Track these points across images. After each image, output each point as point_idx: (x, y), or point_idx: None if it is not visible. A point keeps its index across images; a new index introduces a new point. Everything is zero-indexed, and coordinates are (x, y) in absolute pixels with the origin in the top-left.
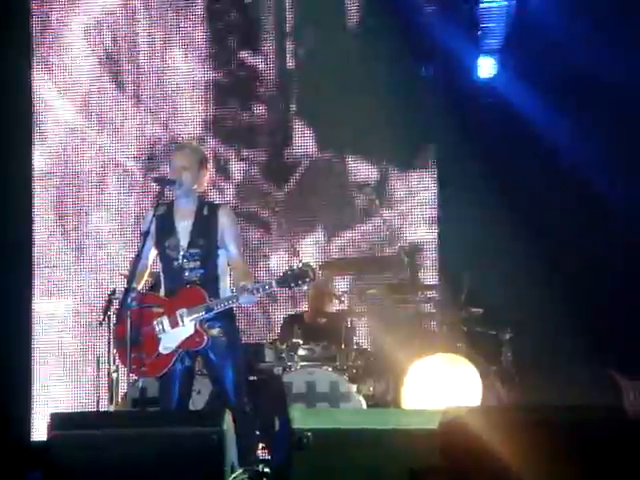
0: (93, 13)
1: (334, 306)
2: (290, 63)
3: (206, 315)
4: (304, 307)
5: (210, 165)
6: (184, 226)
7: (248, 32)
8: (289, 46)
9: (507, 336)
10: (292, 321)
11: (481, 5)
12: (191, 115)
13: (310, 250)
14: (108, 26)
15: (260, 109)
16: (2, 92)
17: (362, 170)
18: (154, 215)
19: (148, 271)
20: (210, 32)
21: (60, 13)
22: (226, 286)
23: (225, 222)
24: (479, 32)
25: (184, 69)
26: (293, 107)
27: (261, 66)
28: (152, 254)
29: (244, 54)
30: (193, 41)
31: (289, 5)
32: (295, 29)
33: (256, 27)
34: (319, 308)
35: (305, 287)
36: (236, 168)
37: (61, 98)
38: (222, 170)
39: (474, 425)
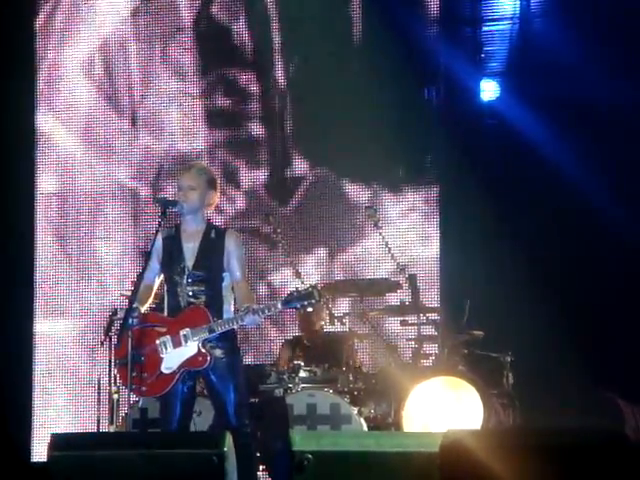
0: (88, 46)
1: (324, 324)
2: (283, 84)
3: (210, 336)
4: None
5: (218, 186)
6: (190, 248)
7: (240, 53)
8: (285, 66)
9: (508, 359)
10: (292, 343)
11: (484, 28)
12: (192, 136)
13: (311, 269)
14: (103, 57)
15: (258, 130)
16: (6, 121)
17: (363, 190)
18: (160, 235)
19: (153, 292)
20: (201, 55)
21: (59, 43)
22: (230, 308)
23: (231, 246)
24: (482, 55)
25: (180, 92)
26: (290, 128)
27: (255, 87)
28: (156, 274)
29: (237, 75)
30: (184, 65)
31: (277, 26)
32: (290, 51)
33: (249, 47)
34: (309, 328)
35: (310, 308)
36: (238, 188)
37: (63, 128)
38: (225, 189)
39: (475, 448)
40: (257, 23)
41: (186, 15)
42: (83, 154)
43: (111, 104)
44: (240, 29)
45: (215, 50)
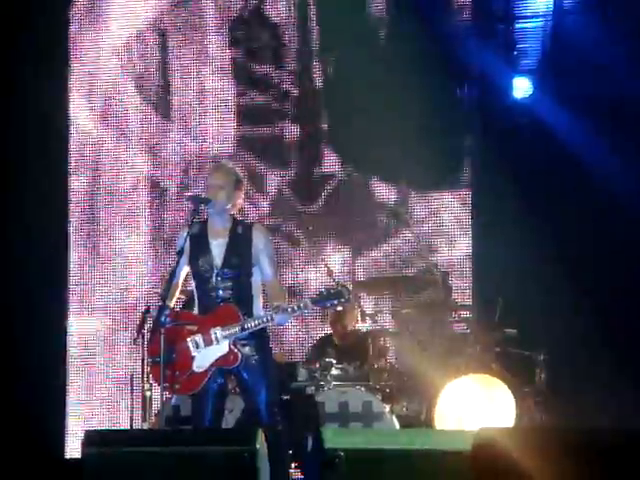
0: (124, 36)
1: (356, 324)
2: (319, 83)
3: (240, 334)
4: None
5: (244, 186)
6: (218, 245)
7: (276, 52)
8: (318, 66)
9: (541, 357)
10: (324, 342)
11: (517, 26)
12: (222, 133)
13: (338, 267)
14: (139, 48)
15: (289, 128)
16: (38, 112)
17: (391, 190)
18: (188, 233)
19: (179, 288)
20: (238, 52)
21: (93, 35)
22: (260, 305)
23: (259, 241)
24: (515, 53)
25: (214, 89)
26: (322, 127)
27: (290, 86)
28: (185, 272)
29: (273, 74)
30: (222, 61)
31: (319, 24)
32: (324, 49)
33: (285, 47)
34: (341, 329)
35: (340, 307)
36: (267, 186)
37: (95, 119)
38: (254, 187)
39: (507, 446)
40: (296, 22)
41: (226, 11)
42: (114, 147)
43: (144, 96)
44: (279, 27)
45: (253, 48)
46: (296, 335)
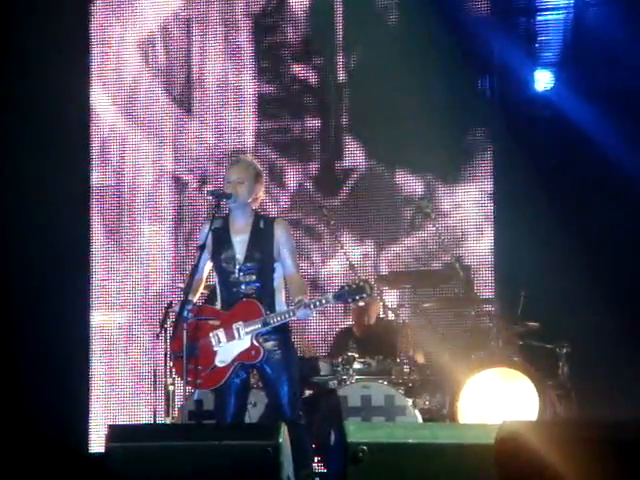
0: (147, 28)
1: (376, 317)
2: (341, 77)
3: (263, 329)
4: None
5: (264, 179)
6: (240, 240)
7: (300, 46)
8: (340, 60)
9: (564, 350)
10: (345, 335)
11: (538, 18)
12: (244, 128)
13: (361, 261)
14: (162, 41)
15: (311, 122)
16: (60, 107)
17: (414, 183)
18: (210, 228)
19: (203, 283)
20: (262, 46)
21: (116, 28)
22: (282, 300)
23: (281, 236)
24: (536, 45)
25: (237, 82)
26: (344, 120)
27: (312, 80)
28: (208, 267)
29: (296, 68)
30: (245, 55)
31: (341, 19)
32: (346, 43)
33: (308, 41)
34: (363, 323)
35: (362, 302)
36: (288, 180)
37: (117, 112)
38: (275, 181)
39: (530, 440)
40: (320, 15)
41: (250, 4)
42: (136, 141)
43: (167, 89)
44: (303, 21)
45: (277, 41)
46: (319, 329)
